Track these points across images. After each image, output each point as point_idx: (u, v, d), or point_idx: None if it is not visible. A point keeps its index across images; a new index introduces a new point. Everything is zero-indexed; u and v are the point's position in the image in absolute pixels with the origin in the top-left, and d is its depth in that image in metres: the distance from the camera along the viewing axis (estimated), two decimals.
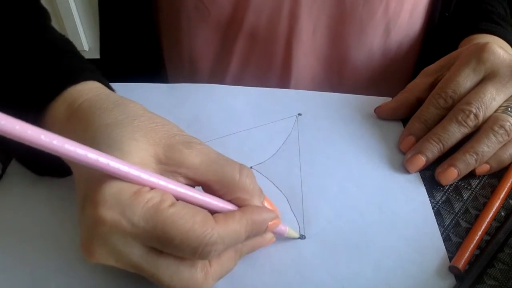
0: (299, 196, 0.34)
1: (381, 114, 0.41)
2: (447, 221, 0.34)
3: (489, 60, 0.36)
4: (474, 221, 0.34)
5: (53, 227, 0.31)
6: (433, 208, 0.35)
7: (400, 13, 0.48)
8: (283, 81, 0.51)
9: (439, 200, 0.35)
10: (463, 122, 0.35)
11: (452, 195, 0.36)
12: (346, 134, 0.40)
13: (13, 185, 0.34)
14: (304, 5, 0.45)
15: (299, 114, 0.41)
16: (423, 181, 0.36)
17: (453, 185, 0.37)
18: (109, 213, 0.22)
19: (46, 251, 0.30)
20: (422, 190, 0.35)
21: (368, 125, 0.41)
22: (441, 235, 0.33)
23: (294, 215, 0.32)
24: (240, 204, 0.26)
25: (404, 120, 0.42)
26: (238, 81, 0.51)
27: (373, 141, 0.39)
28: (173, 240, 0.22)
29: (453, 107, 0.37)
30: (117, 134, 0.24)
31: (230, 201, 0.26)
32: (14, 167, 0.35)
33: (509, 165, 0.37)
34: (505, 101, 0.36)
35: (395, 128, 0.41)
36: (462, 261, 0.30)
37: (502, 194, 0.35)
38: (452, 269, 0.30)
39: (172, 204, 0.23)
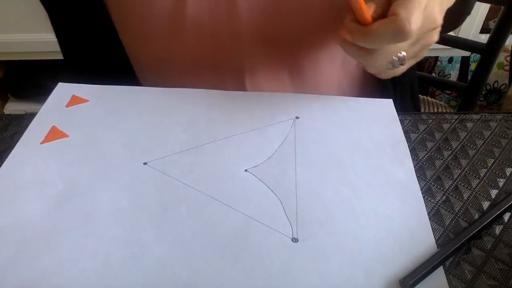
0: (293, 199, 0.34)
1: None
2: (447, 221, 0.33)
3: None
4: (474, 221, 0.33)
5: (47, 227, 0.32)
6: (433, 208, 0.34)
7: None
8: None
9: (439, 200, 0.35)
10: None
11: (452, 195, 0.35)
12: (343, 137, 0.39)
13: (7, 184, 0.35)
14: None
15: (297, 117, 0.41)
16: (422, 181, 0.36)
17: (453, 185, 0.36)
18: None
19: (39, 251, 0.30)
20: (418, 196, 0.34)
21: (365, 129, 0.40)
22: (441, 235, 0.32)
23: (288, 218, 0.32)
24: None
25: (403, 123, 0.41)
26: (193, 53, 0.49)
27: (369, 145, 0.38)
28: None
29: None
30: None
31: None
32: (8, 166, 0.36)
33: None
34: None
35: (393, 132, 0.40)
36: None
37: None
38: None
39: None
